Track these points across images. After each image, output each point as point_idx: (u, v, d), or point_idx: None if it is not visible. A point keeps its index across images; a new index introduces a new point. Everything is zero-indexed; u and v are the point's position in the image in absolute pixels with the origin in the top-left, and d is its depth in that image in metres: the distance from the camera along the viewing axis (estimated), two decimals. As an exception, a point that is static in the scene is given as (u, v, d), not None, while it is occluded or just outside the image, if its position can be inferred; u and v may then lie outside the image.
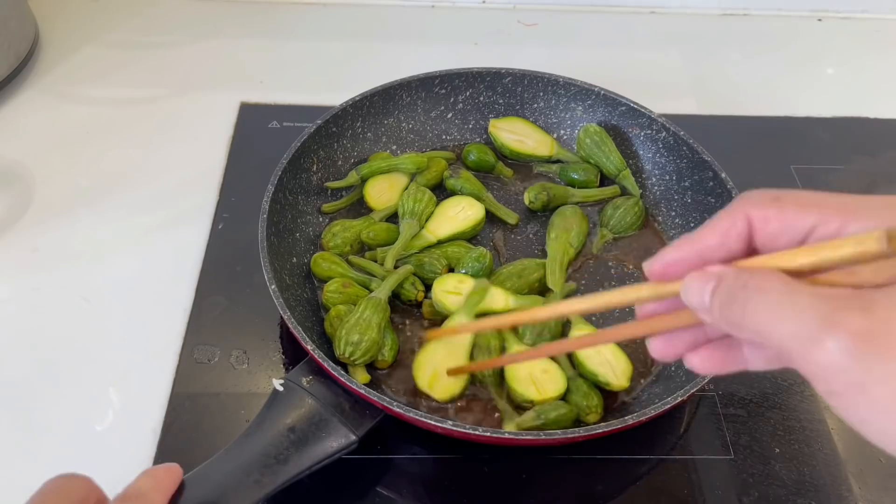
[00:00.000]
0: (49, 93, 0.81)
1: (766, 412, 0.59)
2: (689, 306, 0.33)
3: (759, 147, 0.80)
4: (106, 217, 0.70)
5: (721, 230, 0.32)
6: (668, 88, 0.86)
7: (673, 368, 0.58)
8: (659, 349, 0.36)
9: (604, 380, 0.56)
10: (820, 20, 0.99)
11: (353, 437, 0.49)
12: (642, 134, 0.72)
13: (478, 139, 0.75)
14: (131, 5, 0.93)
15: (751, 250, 0.33)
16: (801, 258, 0.30)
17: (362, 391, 0.49)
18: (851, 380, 0.26)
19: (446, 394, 0.55)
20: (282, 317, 0.53)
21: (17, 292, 0.64)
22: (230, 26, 0.92)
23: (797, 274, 0.30)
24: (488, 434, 0.49)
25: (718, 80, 0.89)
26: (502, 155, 0.74)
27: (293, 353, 0.60)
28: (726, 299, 0.30)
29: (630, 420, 0.49)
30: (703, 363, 0.35)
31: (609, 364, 0.57)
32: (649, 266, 0.35)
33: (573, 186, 0.71)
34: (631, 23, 0.96)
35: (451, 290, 0.61)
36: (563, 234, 0.65)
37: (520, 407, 0.56)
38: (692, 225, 0.68)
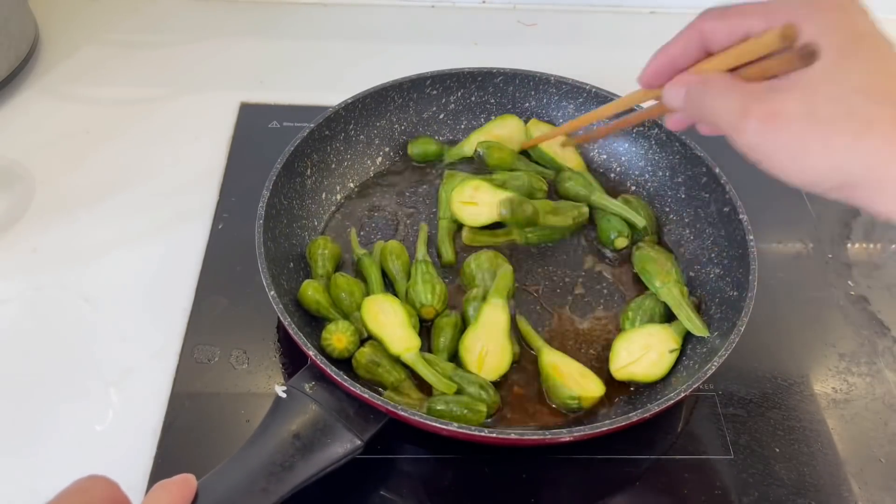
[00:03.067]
0: (49, 93, 0.81)
1: (766, 412, 0.59)
2: (670, 107, 0.45)
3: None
4: (106, 217, 0.70)
5: (682, 42, 0.44)
6: (668, 88, 0.86)
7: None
8: (674, 123, 0.49)
9: (574, 393, 0.55)
10: (820, 20, 0.99)
11: (359, 442, 0.49)
12: (634, 131, 0.72)
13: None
14: (131, 5, 0.93)
15: (708, 54, 0.44)
16: (731, 58, 0.42)
17: (366, 395, 0.49)
18: (765, 150, 0.39)
19: (495, 373, 0.56)
20: (282, 322, 0.53)
21: (17, 292, 0.64)
22: (230, 26, 0.91)
23: (737, 68, 0.42)
24: (494, 435, 0.49)
25: None
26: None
27: (293, 354, 0.60)
28: (692, 100, 0.43)
29: (634, 417, 0.49)
30: (706, 130, 0.46)
31: (575, 381, 0.56)
32: (639, 77, 0.47)
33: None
34: (631, 23, 0.96)
35: (466, 201, 0.66)
36: (668, 276, 0.62)
37: (564, 409, 0.56)
38: (686, 220, 0.68)
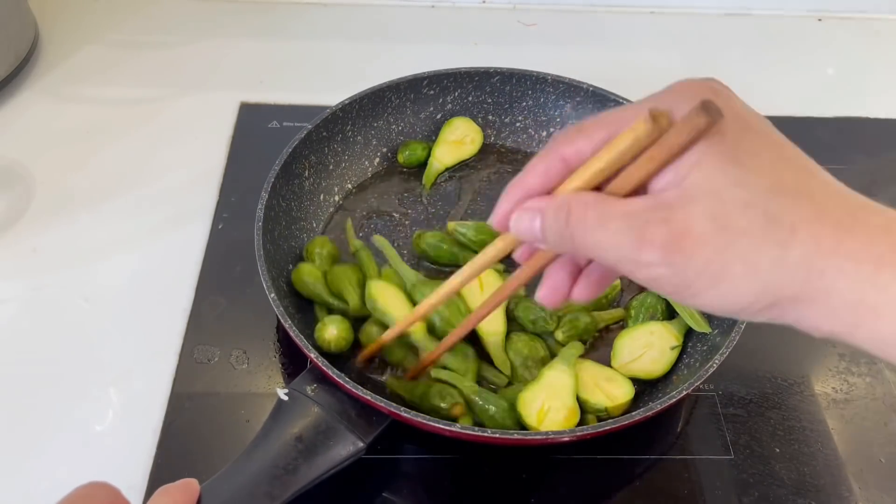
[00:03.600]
0: (49, 93, 0.81)
1: (766, 412, 0.59)
2: (525, 240, 0.37)
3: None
4: (106, 217, 0.70)
5: (539, 173, 0.36)
6: (668, 88, 0.86)
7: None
8: (544, 296, 0.39)
9: (600, 405, 0.55)
10: (820, 20, 0.99)
11: (361, 444, 0.49)
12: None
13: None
14: (131, 5, 0.93)
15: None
16: (597, 164, 0.33)
17: (368, 397, 0.49)
18: (675, 282, 0.31)
19: (555, 426, 0.54)
20: (282, 323, 0.53)
21: (17, 292, 0.64)
22: (230, 26, 0.91)
23: (605, 181, 0.33)
24: (497, 436, 0.49)
25: (718, 80, 0.89)
26: None
27: (292, 354, 0.60)
28: (555, 234, 0.34)
29: (636, 416, 0.49)
30: (585, 290, 0.39)
31: (602, 389, 0.56)
32: (492, 221, 0.38)
33: None
34: (631, 23, 0.96)
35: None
36: None
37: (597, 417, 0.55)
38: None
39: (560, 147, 0.35)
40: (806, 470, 0.55)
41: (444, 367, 0.56)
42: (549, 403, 0.54)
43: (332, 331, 0.57)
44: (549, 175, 0.35)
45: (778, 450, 0.56)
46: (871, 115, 0.85)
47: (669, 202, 0.31)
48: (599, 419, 0.55)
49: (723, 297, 0.31)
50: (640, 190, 0.33)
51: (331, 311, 0.60)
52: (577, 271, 0.39)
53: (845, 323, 0.30)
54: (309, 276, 0.61)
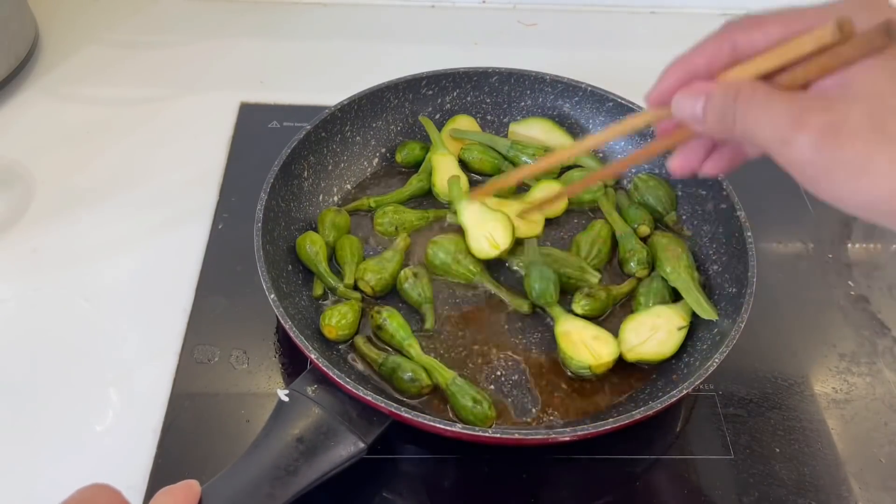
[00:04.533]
0: (49, 93, 0.81)
1: (766, 412, 0.59)
2: (682, 120, 0.38)
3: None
4: (106, 217, 0.70)
5: (708, 53, 0.37)
6: (668, 88, 0.86)
7: (673, 361, 0.58)
8: (678, 166, 0.42)
9: (583, 363, 0.56)
10: (820, 20, 0.99)
11: (362, 445, 0.49)
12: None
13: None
14: (131, 5, 0.93)
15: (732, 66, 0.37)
16: (771, 60, 0.35)
17: (369, 398, 0.49)
18: (819, 167, 0.33)
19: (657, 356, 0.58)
20: (282, 324, 0.53)
21: (17, 292, 0.64)
22: (230, 26, 0.91)
23: (773, 75, 0.35)
24: (497, 436, 0.49)
25: None
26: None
27: (292, 354, 0.60)
28: (719, 113, 0.36)
29: (636, 415, 0.49)
30: (716, 165, 0.42)
31: (586, 346, 0.57)
32: (648, 95, 0.40)
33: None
34: (631, 23, 0.96)
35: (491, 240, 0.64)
36: (679, 262, 0.62)
37: (578, 377, 0.57)
38: (684, 217, 0.68)
39: (734, 34, 0.37)
40: (806, 470, 0.55)
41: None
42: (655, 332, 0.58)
43: (332, 330, 0.57)
44: (716, 59, 0.37)
45: (778, 450, 0.56)
46: (871, 115, 0.85)
47: (833, 96, 0.33)
48: (581, 378, 0.57)
49: (859, 189, 0.33)
50: (803, 88, 0.35)
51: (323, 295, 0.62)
52: (712, 148, 0.42)
53: None
54: (313, 244, 0.62)
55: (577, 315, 0.60)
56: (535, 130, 0.73)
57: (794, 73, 0.35)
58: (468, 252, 0.63)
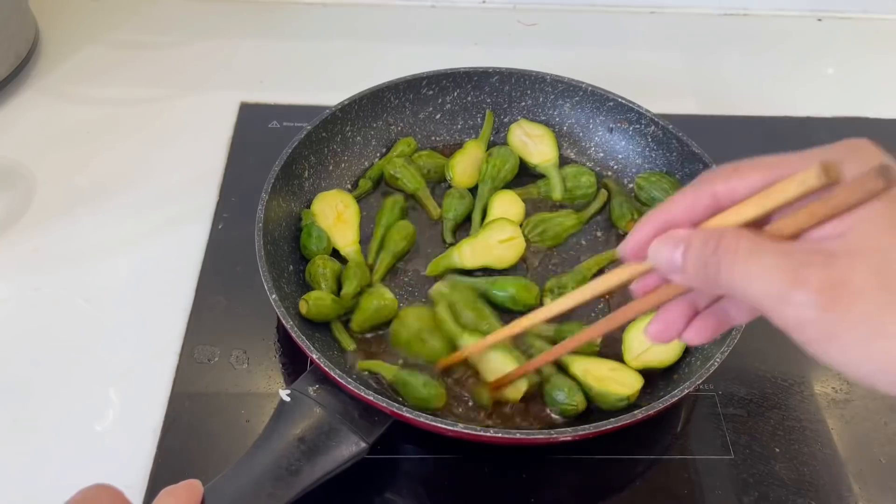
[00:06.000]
0: (49, 93, 0.81)
1: (766, 412, 0.59)
2: (659, 270, 0.35)
3: (759, 147, 0.79)
4: (106, 217, 0.70)
5: (686, 205, 0.35)
6: (667, 88, 0.86)
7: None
8: (655, 331, 0.39)
9: (622, 394, 0.55)
10: (820, 20, 0.99)
11: (364, 445, 0.49)
12: (631, 129, 0.72)
13: (467, 139, 0.75)
14: (131, 5, 0.93)
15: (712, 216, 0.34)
16: (753, 207, 0.32)
17: (371, 398, 0.49)
18: (822, 329, 0.30)
19: (517, 394, 0.55)
20: (283, 324, 0.53)
21: (17, 292, 0.64)
22: (230, 26, 0.91)
23: (756, 224, 0.32)
24: (499, 435, 0.49)
25: (718, 80, 0.89)
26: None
27: (292, 354, 0.60)
28: (700, 263, 0.33)
29: (638, 415, 0.49)
30: (699, 333, 0.38)
31: (613, 379, 0.56)
32: (622, 249, 0.37)
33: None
34: (631, 23, 0.96)
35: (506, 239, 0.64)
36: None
37: (617, 412, 0.54)
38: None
39: (712, 183, 0.34)
40: (806, 470, 0.55)
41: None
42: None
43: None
44: (695, 209, 0.35)
45: (778, 450, 0.56)
46: (871, 115, 0.85)
47: (831, 249, 0.30)
48: (622, 411, 0.54)
49: (871, 355, 0.29)
50: (794, 238, 0.32)
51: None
52: (693, 314, 0.38)
53: None
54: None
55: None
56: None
57: (783, 223, 0.32)
58: (435, 330, 0.58)
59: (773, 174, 0.33)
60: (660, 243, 0.35)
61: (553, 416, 0.56)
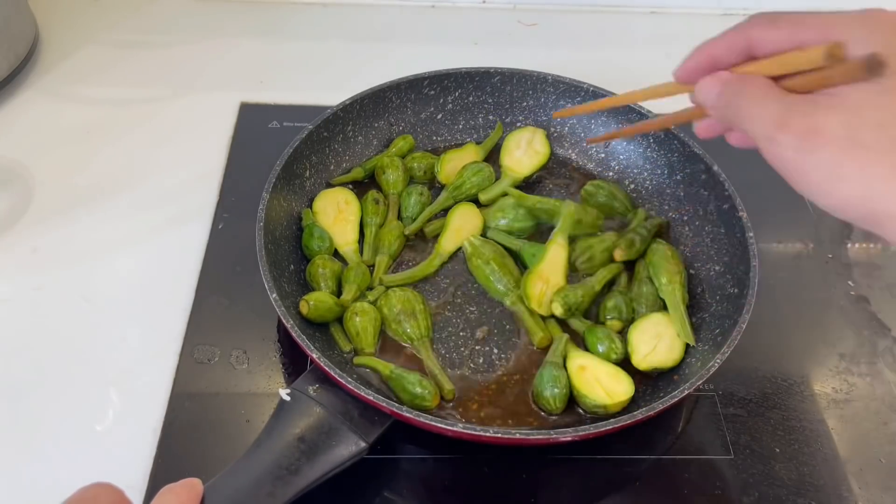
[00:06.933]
0: (48, 93, 0.81)
1: (766, 412, 0.59)
2: (699, 103, 0.42)
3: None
4: (106, 217, 0.70)
5: (726, 42, 0.41)
6: (668, 88, 0.86)
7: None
8: (703, 130, 0.47)
9: (598, 402, 0.55)
10: (820, 20, 0.99)
11: (364, 444, 0.49)
12: None
13: (468, 139, 0.75)
14: (131, 5, 0.93)
15: (751, 59, 0.41)
16: (774, 65, 0.39)
17: (370, 397, 0.49)
18: (797, 167, 0.36)
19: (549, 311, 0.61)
20: (283, 323, 0.53)
21: (17, 292, 0.64)
22: (230, 26, 0.92)
23: (779, 77, 0.39)
24: (499, 435, 0.49)
25: None
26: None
27: (293, 354, 0.60)
28: (726, 100, 0.40)
29: (638, 415, 0.49)
30: (736, 140, 0.45)
31: (600, 384, 0.56)
32: (676, 71, 0.44)
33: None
34: (631, 23, 0.96)
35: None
36: (675, 278, 0.62)
37: (593, 415, 0.55)
38: (685, 218, 0.68)
39: (752, 28, 0.40)
40: (806, 470, 0.55)
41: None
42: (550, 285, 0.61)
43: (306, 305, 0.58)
44: (733, 47, 0.41)
45: (778, 450, 0.57)
46: (871, 115, 0.85)
47: (818, 102, 0.36)
48: (595, 417, 0.55)
49: (830, 194, 0.36)
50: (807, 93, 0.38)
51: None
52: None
53: None
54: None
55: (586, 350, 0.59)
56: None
57: (796, 80, 0.38)
58: (415, 314, 0.59)
59: (800, 35, 0.38)
60: (704, 82, 0.42)
61: (535, 408, 0.56)
